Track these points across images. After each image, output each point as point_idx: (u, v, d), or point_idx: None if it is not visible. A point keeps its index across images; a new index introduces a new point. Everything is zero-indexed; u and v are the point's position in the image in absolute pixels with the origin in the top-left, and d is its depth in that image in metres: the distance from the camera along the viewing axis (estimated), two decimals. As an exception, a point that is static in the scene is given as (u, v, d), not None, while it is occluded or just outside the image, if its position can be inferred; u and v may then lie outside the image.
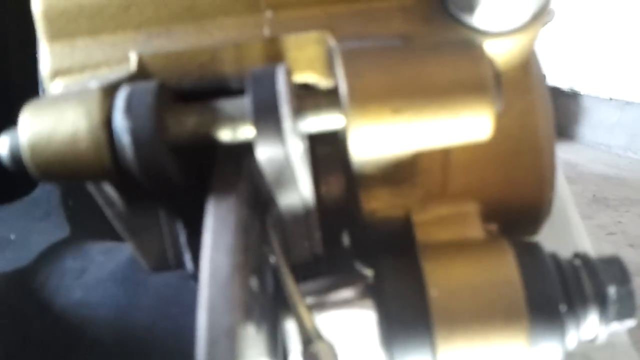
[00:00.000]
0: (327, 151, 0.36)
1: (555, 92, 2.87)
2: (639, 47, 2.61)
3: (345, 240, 0.40)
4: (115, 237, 0.56)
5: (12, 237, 0.50)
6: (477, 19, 0.31)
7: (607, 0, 2.59)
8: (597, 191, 2.59)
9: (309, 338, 0.31)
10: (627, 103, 2.79)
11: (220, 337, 0.25)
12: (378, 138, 0.29)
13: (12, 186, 0.60)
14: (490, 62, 0.29)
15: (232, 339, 0.25)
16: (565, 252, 0.37)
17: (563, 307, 0.34)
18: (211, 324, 0.25)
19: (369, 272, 0.38)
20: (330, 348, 0.30)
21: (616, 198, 2.56)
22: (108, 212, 0.34)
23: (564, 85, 2.84)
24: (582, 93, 2.89)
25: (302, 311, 0.31)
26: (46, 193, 0.55)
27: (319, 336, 0.31)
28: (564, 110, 2.91)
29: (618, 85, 2.75)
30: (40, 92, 0.56)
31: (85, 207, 0.56)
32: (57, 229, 0.52)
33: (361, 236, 0.39)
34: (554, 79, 2.78)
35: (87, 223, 0.55)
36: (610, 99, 2.82)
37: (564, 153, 2.80)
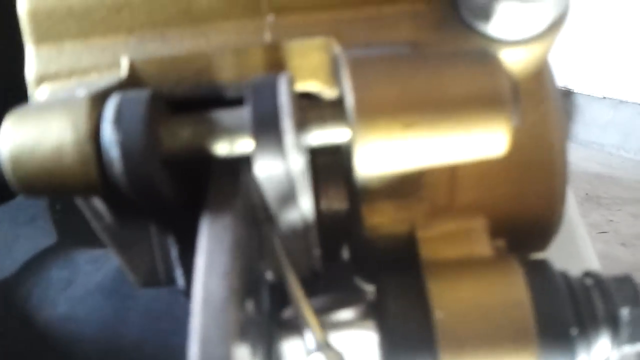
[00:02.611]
0: (327, 161, 0.35)
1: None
2: (633, 46, 2.61)
3: (345, 254, 0.39)
4: (104, 244, 0.54)
5: (-4, 243, 0.49)
6: (493, 27, 0.30)
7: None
8: (590, 190, 2.60)
9: (317, 346, 0.29)
10: (621, 102, 2.79)
11: None
12: (387, 154, 0.27)
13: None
14: (507, 74, 0.28)
15: (226, 372, 0.23)
16: (572, 268, 0.36)
17: (574, 330, 0.32)
18: (203, 356, 0.24)
19: (369, 288, 0.36)
20: (340, 357, 0.29)
21: (608, 197, 2.57)
22: (96, 225, 0.32)
23: (558, 83, 2.84)
24: (575, 91, 2.89)
25: (310, 319, 0.29)
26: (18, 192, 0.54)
27: (328, 345, 0.29)
28: (558, 109, 2.91)
29: (612, 84, 2.76)
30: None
31: (73, 211, 0.54)
32: (43, 235, 0.51)
33: (362, 251, 0.37)
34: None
35: (75, 228, 0.53)
36: (604, 97, 2.83)
37: (556, 151, 2.81)
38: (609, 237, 2.34)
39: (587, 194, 2.57)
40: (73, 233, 0.53)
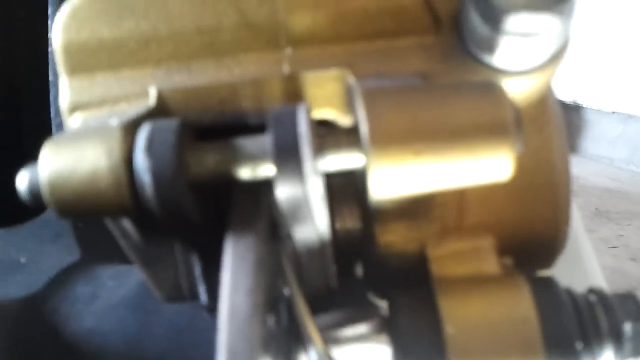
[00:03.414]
0: (342, 184, 0.36)
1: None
2: (642, 61, 2.61)
3: (359, 271, 0.40)
4: (126, 260, 0.56)
5: (23, 260, 0.50)
6: (497, 60, 0.31)
7: (611, 14, 2.59)
8: (600, 204, 2.59)
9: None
10: (630, 117, 2.79)
11: None
12: (399, 179, 0.29)
13: (23, 207, 0.61)
14: (511, 104, 0.29)
15: (252, 382, 0.25)
16: (578, 286, 0.37)
17: (579, 344, 0.33)
18: None
19: (382, 304, 0.38)
20: None
21: (618, 212, 2.56)
22: (123, 244, 0.34)
23: (567, 98, 2.84)
24: (585, 106, 2.89)
25: (313, 334, 0.31)
26: (56, 215, 0.55)
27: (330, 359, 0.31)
28: (567, 124, 2.91)
29: (621, 98, 2.76)
30: (53, 128, 0.56)
31: (96, 229, 0.56)
32: (67, 252, 0.52)
33: (375, 268, 0.39)
34: (557, 92, 2.78)
35: (98, 245, 0.55)
36: (613, 112, 2.82)
37: (566, 166, 2.80)
38: (618, 252, 2.33)
39: (597, 208, 2.56)
40: (96, 250, 0.54)
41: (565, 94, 2.80)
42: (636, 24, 2.56)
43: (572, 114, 2.86)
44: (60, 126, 0.58)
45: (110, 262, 0.53)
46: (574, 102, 2.86)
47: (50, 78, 0.59)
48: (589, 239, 0.69)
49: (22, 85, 0.65)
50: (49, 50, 0.58)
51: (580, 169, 2.80)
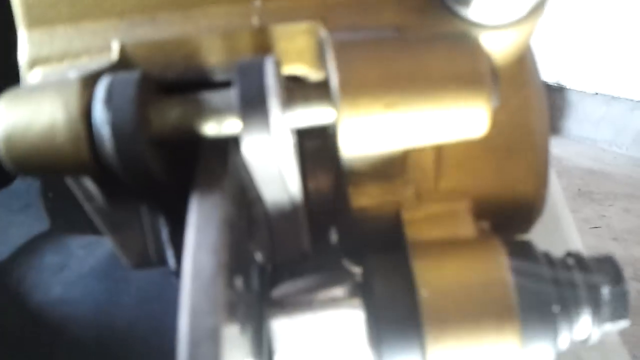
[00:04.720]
0: (315, 145, 0.35)
1: (542, 86, 2.87)
2: (625, 42, 2.62)
3: (333, 236, 0.39)
4: (96, 230, 0.54)
5: (-10, 230, 0.49)
6: (473, 12, 0.30)
7: (594, -5, 2.59)
8: (582, 185, 2.61)
9: None
10: (613, 98, 2.80)
11: (202, 340, 0.24)
12: (370, 133, 0.28)
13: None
14: (486, 57, 0.28)
15: (215, 342, 0.24)
16: (556, 249, 0.36)
17: (556, 308, 0.33)
18: (193, 327, 0.24)
19: (356, 270, 0.37)
20: None
21: (601, 192, 2.58)
22: (87, 207, 0.33)
23: (550, 79, 2.84)
24: (568, 87, 2.90)
25: None
26: (26, 185, 0.54)
27: None
28: (550, 104, 2.92)
29: (604, 80, 2.77)
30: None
31: (66, 199, 0.55)
32: (36, 222, 0.51)
33: (349, 233, 0.38)
34: (540, 73, 2.78)
35: (68, 216, 0.54)
36: (596, 93, 2.84)
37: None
38: (601, 232, 2.35)
39: (579, 189, 2.58)
40: (65, 220, 0.53)
41: (548, 74, 2.80)
42: (619, 4, 2.56)
43: (555, 95, 2.87)
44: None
45: (80, 232, 0.52)
46: (557, 83, 2.86)
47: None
48: (570, 212, 0.68)
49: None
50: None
51: (563, 149, 2.82)
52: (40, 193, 0.53)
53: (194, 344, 0.24)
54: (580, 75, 2.81)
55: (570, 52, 2.72)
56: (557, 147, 2.80)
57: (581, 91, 2.84)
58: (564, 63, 2.76)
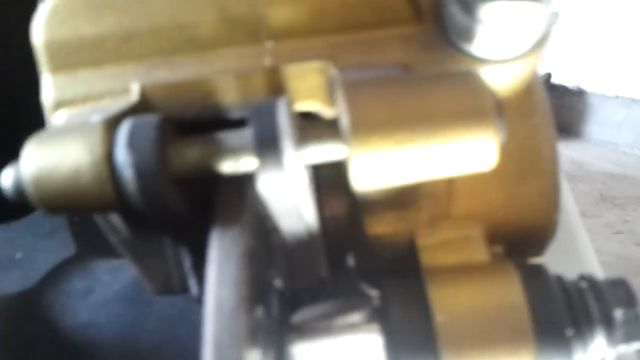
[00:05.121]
0: (330, 174, 0.36)
1: (562, 90, 2.86)
2: (645, 45, 2.59)
3: (350, 261, 0.40)
4: (121, 255, 0.56)
5: (18, 256, 0.51)
6: (477, 48, 0.31)
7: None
8: (604, 190, 2.58)
9: None
10: (633, 100, 2.78)
11: None
12: (380, 169, 0.29)
13: (18, 204, 0.61)
14: (490, 92, 0.29)
15: (237, 373, 0.25)
16: (571, 269, 0.37)
17: (570, 331, 0.33)
18: (217, 358, 0.26)
19: (374, 293, 0.38)
20: None
21: (623, 196, 2.55)
22: (113, 239, 0.34)
23: (571, 83, 2.83)
24: (588, 91, 2.88)
25: None
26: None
27: None
28: (570, 108, 2.90)
29: (624, 83, 2.75)
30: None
31: (90, 224, 0.56)
32: (62, 247, 0.53)
33: (366, 257, 0.39)
34: (560, 76, 2.77)
35: (92, 240, 0.55)
36: (617, 96, 2.81)
37: (570, 151, 2.79)
38: (623, 237, 2.32)
39: (601, 194, 2.56)
40: (90, 244, 0.55)
41: (568, 78, 2.79)
42: (639, 8, 2.54)
43: (576, 98, 2.85)
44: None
45: (106, 256, 0.53)
46: (577, 87, 2.85)
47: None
48: (583, 225, 0.68)
49: (18, 80, 0.65)
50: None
51: (584, 153, 2.80)
52: (66, 219, 0.55)
53: (217, 376, 0.25)
54: (600, 79, 2.79)
55: (589, 55, 2.70)
56: (578, 151, 2.78)
57: (601, 94, 2.82)
58: (583, 67, 2.75)
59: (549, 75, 2.99)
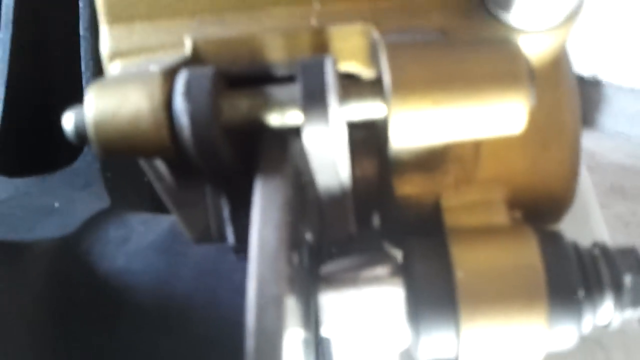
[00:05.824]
0: (363, 136, 0.38)
1: (578, 80, 2.83)
2: (664, 38, 2.58)
3: (375, 221, 0.43)
4: (151, 209, 0.58)
5: (56, 204, 0.53)
6: (514, 17, 0.33)
7: (633, -11, 2.56)
8: (615, 181, 2.58)
9: None
10: (649, 93, 2.76)
11: (268, 305, 0.27)
12: (418, 128, 0.31)
13: (54, 157, 0.63)
14: (525, 60, 0.31)
15: (279, 307, 0.27)
16: (584, 241, 0.39)
17: (581, 293, 0.35)
18: (260, 294, 0.28)
19: (397, 253, 0.40)
20: None
21: (633, 188, 2.55)
22: (157, 186, 0.36)
23: (587, 72, 2.82)
24: (604, 81, 2.87)
25: None
26: (86, 164, 0.57)
27: None
28: (586, 98, 2.88)
29: (640, 75, 2.73)
30: (83, 81, 0.59)
31: (123, 179, 0.59)
32: (97, 199, 0.54)
33: (391, 218, 0.41)
34: (576, 66, 2.75)
35: (125, 195, 0.57)
36: (632, 89, 2.80)
37: (583, 141, 2.78)
38: (632, 229, 2.32)
39: (611, 185, 2.55)
40: (123, 199, 0.57)
41: (584, 68, 2.78)
42: (660, 0, 2.52)
43: (591, 88, 2.84)
44: (90, 79, 0.60)
45: (138, 210, 0.55)
46: (593, 77, 2.83)
47: (81, 32, 0.61)
48: (599, 208, 0.70)
49: (52, 37, 0.67)
50: (79, 4, 0.61)
51: (597, 143, 2.79)
52: (99, 173, 0.57)
53: (261, 309, 0.27)
54: (617, 70, 2.78)
55: (607, 46, 2.69)
56: (591, 142, 2.77)
57: (617, 86, 2.81)
58: (600, 57, 2.74)
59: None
